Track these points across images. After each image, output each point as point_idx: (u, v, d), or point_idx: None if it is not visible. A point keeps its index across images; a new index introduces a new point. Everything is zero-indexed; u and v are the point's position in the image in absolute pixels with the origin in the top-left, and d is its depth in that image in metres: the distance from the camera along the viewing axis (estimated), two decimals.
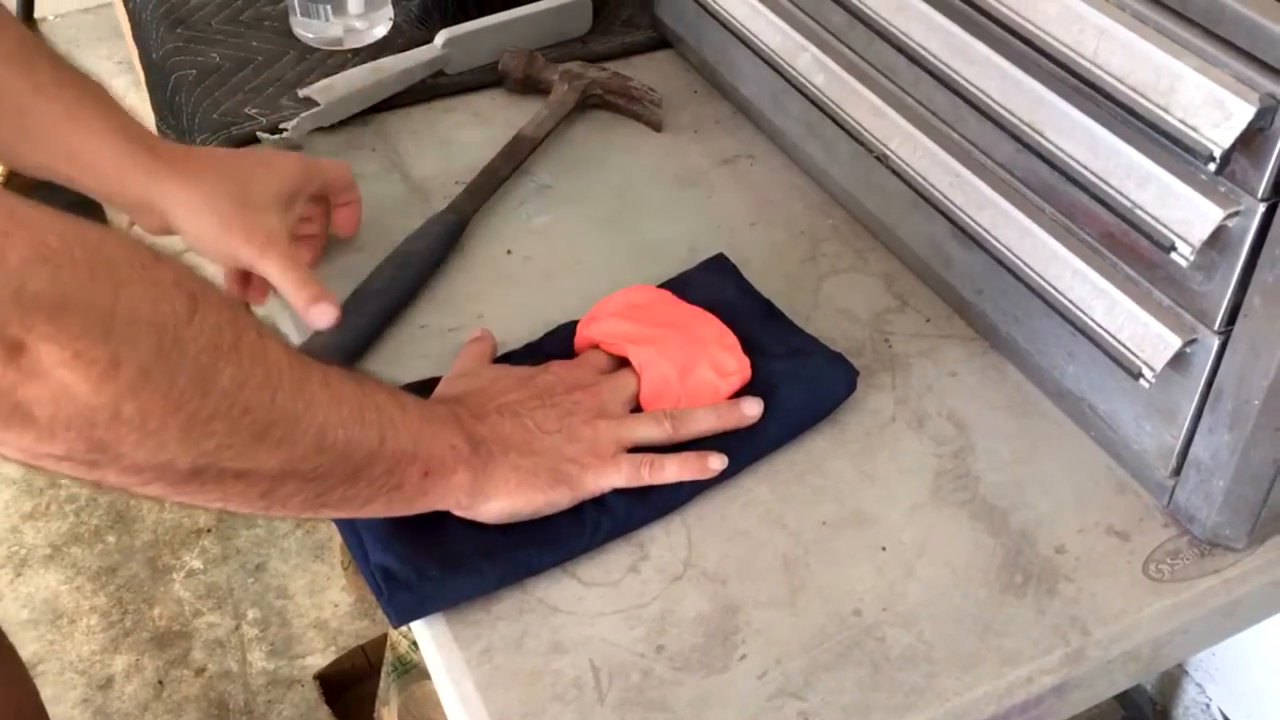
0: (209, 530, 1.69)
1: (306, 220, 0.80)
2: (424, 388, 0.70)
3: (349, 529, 0.64)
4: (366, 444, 0.56)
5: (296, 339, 0.79)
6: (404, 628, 1.20)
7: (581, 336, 0.73)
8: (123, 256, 0.47)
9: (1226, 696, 1.10)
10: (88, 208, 0.65)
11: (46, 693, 1.49)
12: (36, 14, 2.03)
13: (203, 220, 0.72)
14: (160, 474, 0.49)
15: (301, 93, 0.95)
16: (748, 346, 0.72)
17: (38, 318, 0.43)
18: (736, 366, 0.70)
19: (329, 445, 0.55)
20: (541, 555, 0.64)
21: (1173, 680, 1.16)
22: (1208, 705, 1.13)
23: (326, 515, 0.60)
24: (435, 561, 0.62)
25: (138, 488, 0.50)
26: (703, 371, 0.69)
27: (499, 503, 0.63)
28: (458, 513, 0.63)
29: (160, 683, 1.51)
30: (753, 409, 0.69)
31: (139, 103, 2.56)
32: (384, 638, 1.28)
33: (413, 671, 1.21)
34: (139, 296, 0.46)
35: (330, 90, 0.94)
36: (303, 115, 0.92)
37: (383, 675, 1.25)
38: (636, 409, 0.70)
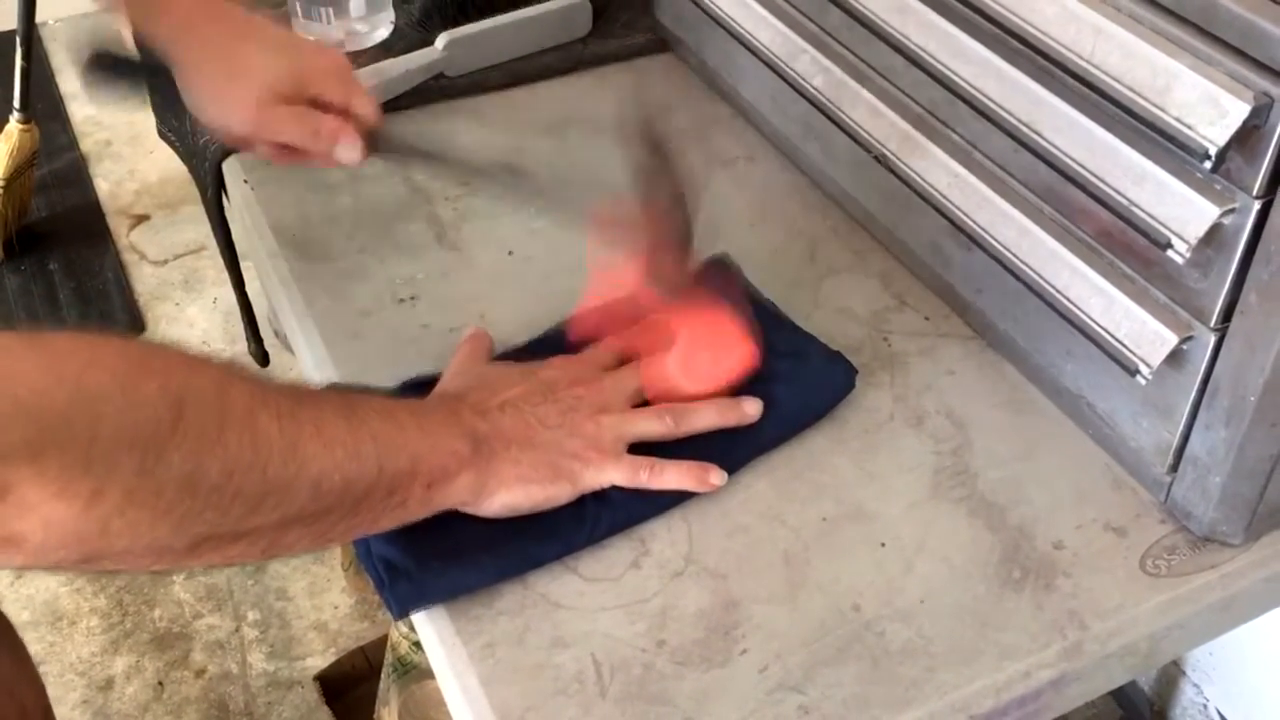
0: None
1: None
2: (424, 385, 0.70)
3: None
4: (365, 478, 0.57)
5: (310, 354, 0.79)
6: (405, 628, 1.20)
7: (580, 322, 0.73)
8: (102, 386, 0.48)
9: (1224, 697, 1.10)
10: None
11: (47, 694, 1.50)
12: (38, 18, 2.04)
13: (191, 85, 0.73)
14: (159, 557, 0.51)
15: None
16: None
17: (16, 466, 0.45)
18: (740, 352, 0.71)
19: (325, 492, 0.56)
20: (542, 548, 0.64)
21: (1170, 681, 1.17)
22: (1205, 706, 1.13)
23: (335, 545, 0.61)
24: (436, 553, 0.63)
25: (141, 569, 0.52)
26: (706, 360, 0.70)
27: (500, 497, 0.63)
28: (462, 509, 0.64)
29: (160, 684, 1.52)
30: (753, 408, 0.70)
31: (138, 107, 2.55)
32: (384, 639, 1.28)
33: (413, 672, 1.21)
34: (119, 424, 0.47)
35: None
36: None
37: (383, 676, 1.25)
38: (638, 405, 0.70)
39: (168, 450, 0.49)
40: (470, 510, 0.64)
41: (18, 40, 2.00)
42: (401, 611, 0.62)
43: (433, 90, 0.99)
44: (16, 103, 2.05)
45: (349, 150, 0.73)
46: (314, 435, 0.55)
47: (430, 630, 0.63)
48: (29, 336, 0.48)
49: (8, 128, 2.07)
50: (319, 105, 0.74)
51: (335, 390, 0.61)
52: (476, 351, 0.73)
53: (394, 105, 0.97)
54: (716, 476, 0.67)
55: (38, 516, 0.46)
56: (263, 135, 0.73)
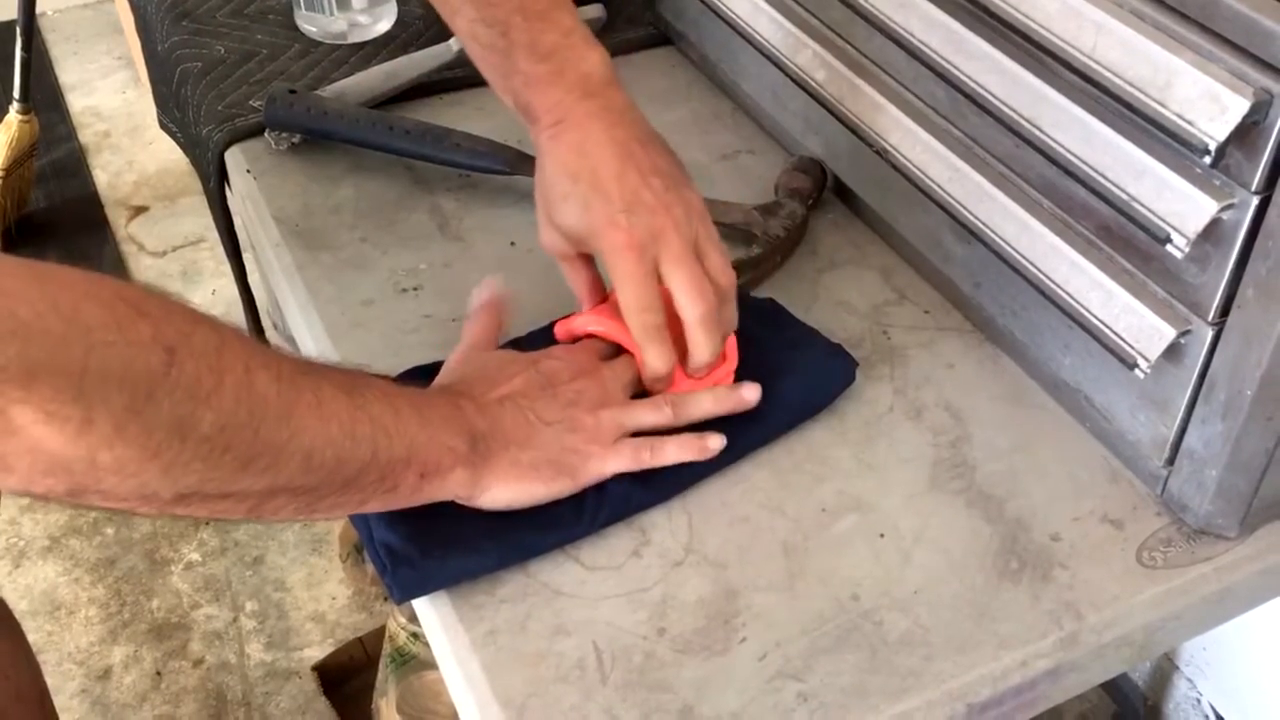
0: (207, 523, 1.69)
1: None
2: (427, 373, 0.71)
3: None
4: (357, 459, 0.57)
5: (312, 344, 0.80)
6: (404, 619, 1.21)
7: (577, 327, 0.73)
8: (99, 319, 0.48)
9: (1217, 692, 1.11)
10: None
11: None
12: (37, 9, 2.04)
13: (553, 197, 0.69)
14: (145, 502, 0.51)
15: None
16: (749, 338, 0.73)
17: (6, 385, 0.45)
18: (731, 345, 0.71)
19: (316, 466, 0.56)
20: (543, 538, 0.65)
21: (1164, 675, 1.17)
22: (1198, 700, 1.14)
23: (320, 519, 0.61)
24: (438, 540, 0.63)
25: (126, 511, 0.52)
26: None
27: (496, 494, 0.64)
28: (458, 501, 0.64)
29: (158, 674, 1.52)
30: (751, 393, 0.70)
31: (138, 98, 2.56)
32: (382, 630, 1.29)
33: (411, 663, 1.22)
34: (111, 358, 0.47)
35: (343, 95, 0.94)
36: None
37: (380, 667, 1.26)
38: (635, 395, 0.71)
39: (157, 393, 0.49)
40: (466, 503, 0.64)
41: (18, 31, 2.00)
42: (403, 597, 0.63)
43: (435, 83, 0.99)
44: (16, 93, 2.05)
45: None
46: (312, 405, 0.55)
47: (433, 617, 0.64)
48: (28, 263, 0.47)
49: (7, 118, 2.07)
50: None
51: (339, 368, 0.61)
52: (485, 334, 0.72)
53: (398, 97, 0.98)
54: (715, 441, 0.68)
55: (26, 439, 0.46)
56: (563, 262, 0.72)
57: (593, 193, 0.67)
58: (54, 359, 0.46)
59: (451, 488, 0.63)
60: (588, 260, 0.73)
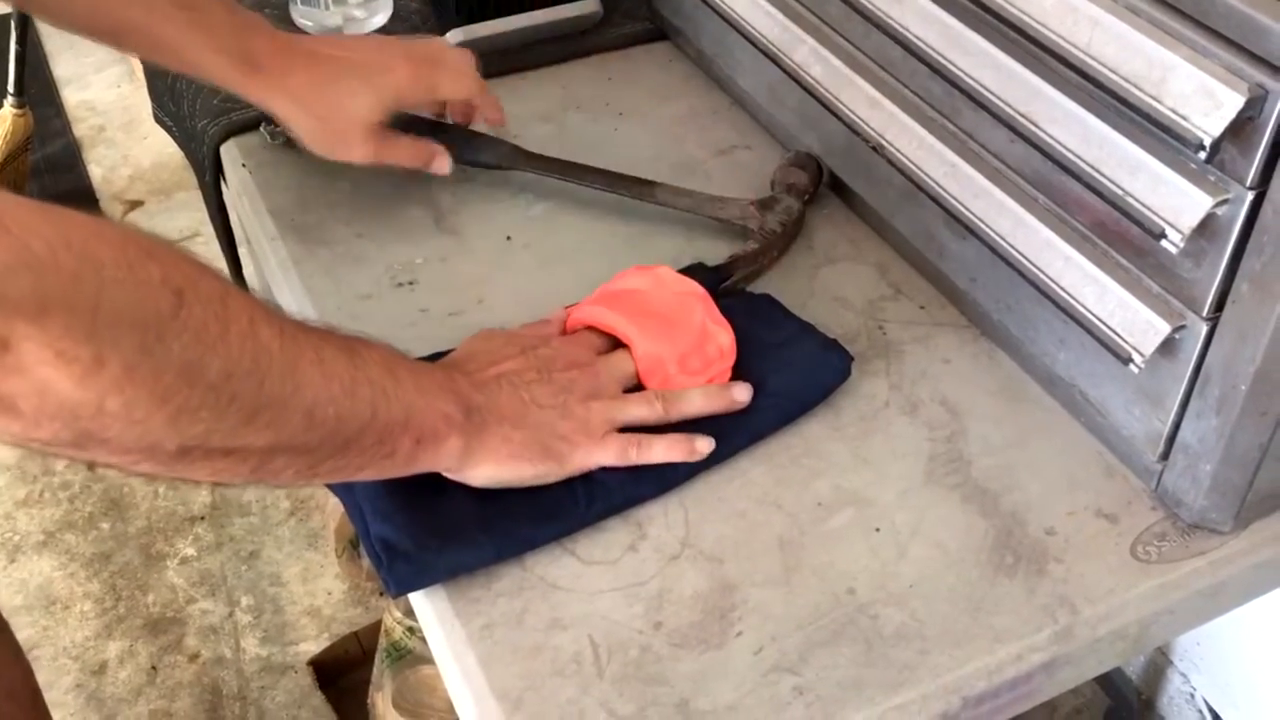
0: (202, 518, 1.69)
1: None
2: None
3: (351, 501, 0.66)
4: (358, 418, 0.58)
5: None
6: (399, 613, 1.21)
7: (573, 319, 0.74)
8: (109, 257, 0.47)
9: (1211, 686, 1.11)
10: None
11: (40, 678, 1.49)
12: None
13: (301, 132, 0.82)
14: (148, 455, 0.51)
15: None
16: (745, 333, 0.73)
17: (18, 320, 0.44)
18: (730, 343, 0.72)
19: (318, 423, 0.56)
20: (538, 530, 0.65)
21: (1158, 670, 1.18)
22: (1192, 695, 1.14)
23: (319, 483, 0.61)
24: (434, 534, 0.63)
25: (127, 466, 0.51)
26: (697, 351, 0.70)
27: (486, 470, 0.64)
28: (446, 475, 0.64)
29: (154, 669, 1.52)
30: (742, 393, 0.71)
31: (132, 92, 2.55)
32: (377, 624, 1.29)
33: (407, 657, 1.22)
34: (122, 298, 0.47)
35: None
36: None
37: (376, 661, 1.26)
38: (631, 389, 0.71)
39: (168, 335, 0.48)
40: (455, 477, 0.64)
41: (12, 24, 2.00)
42: (399, 591, 0.63)
43: None
44: (11, 87, 2.04)
45: (440, 166, 0.86)
46: (314, 362, 0.56)
47: (429, 611, 0.64)
48: (39, 203, 0.47)
49: (1, 112, 2.07)
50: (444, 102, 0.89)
51: (337, 332, 0.61)
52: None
53: None
54: (703, 444, 0.68)
55: (35, 379, 0.45)
56: (380, 163, 0.84)
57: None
58: (67, 295, 0.45)
59: (445, 458, 0.63)
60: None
